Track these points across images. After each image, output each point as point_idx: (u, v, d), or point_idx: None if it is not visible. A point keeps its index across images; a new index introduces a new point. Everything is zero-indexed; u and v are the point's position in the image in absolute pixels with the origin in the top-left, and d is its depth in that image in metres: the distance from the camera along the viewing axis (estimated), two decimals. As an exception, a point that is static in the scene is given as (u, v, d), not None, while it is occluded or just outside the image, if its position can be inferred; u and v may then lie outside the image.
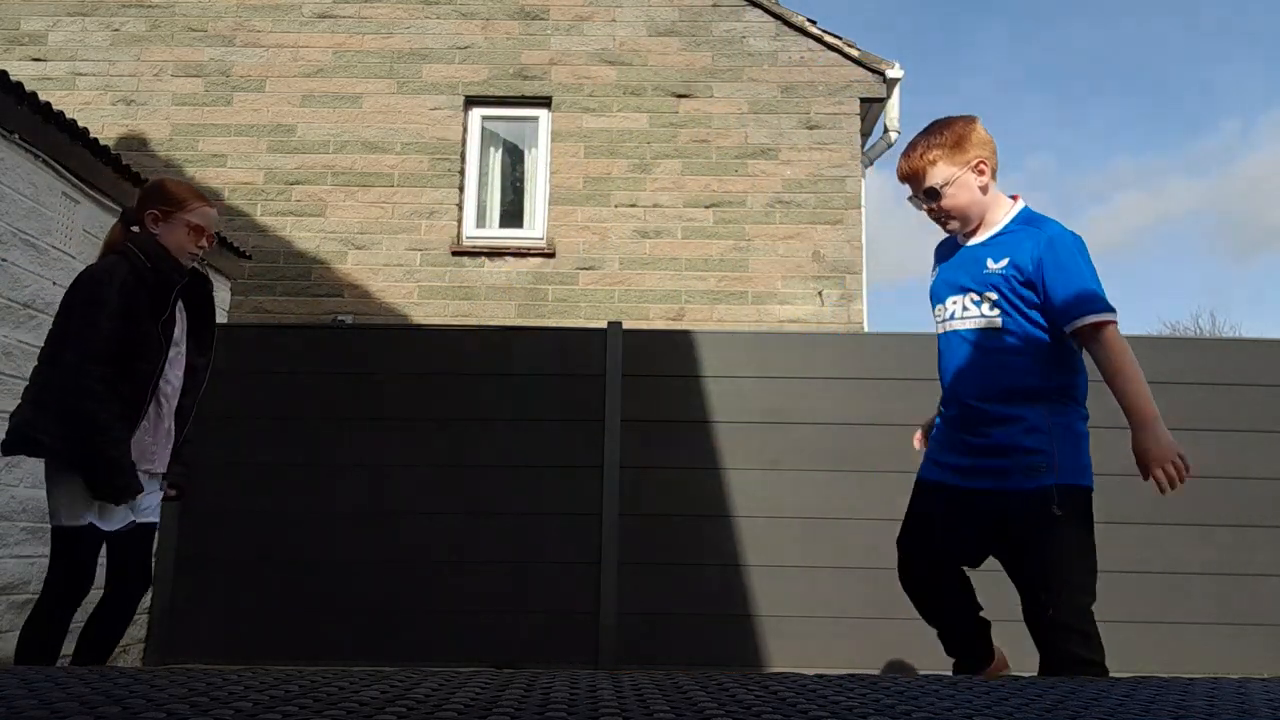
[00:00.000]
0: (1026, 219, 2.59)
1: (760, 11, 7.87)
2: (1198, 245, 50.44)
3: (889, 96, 7.74)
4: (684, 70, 7.80)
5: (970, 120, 2.64)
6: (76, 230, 4.38)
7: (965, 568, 2.66)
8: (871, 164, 8.04)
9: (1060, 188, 54.66)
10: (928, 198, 2.60)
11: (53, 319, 2.88)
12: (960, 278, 2.62)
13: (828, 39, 7.80)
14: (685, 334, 5.54)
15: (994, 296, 2.53)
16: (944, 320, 2.66)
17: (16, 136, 3.97)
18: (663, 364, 5.32)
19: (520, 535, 5.16)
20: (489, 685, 1.32)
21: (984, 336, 2.55)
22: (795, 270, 7.49)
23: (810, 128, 7.70)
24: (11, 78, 3.95)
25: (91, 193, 4.48)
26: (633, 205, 7.60)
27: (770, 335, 6.20)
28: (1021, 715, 1.11)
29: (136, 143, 7.61)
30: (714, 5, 7.89)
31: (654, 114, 7.73)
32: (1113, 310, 2.45)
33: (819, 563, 5.12)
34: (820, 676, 1.48)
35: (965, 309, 2.60)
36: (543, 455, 5.23)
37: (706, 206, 7.60)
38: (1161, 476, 2.31)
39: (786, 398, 5.23)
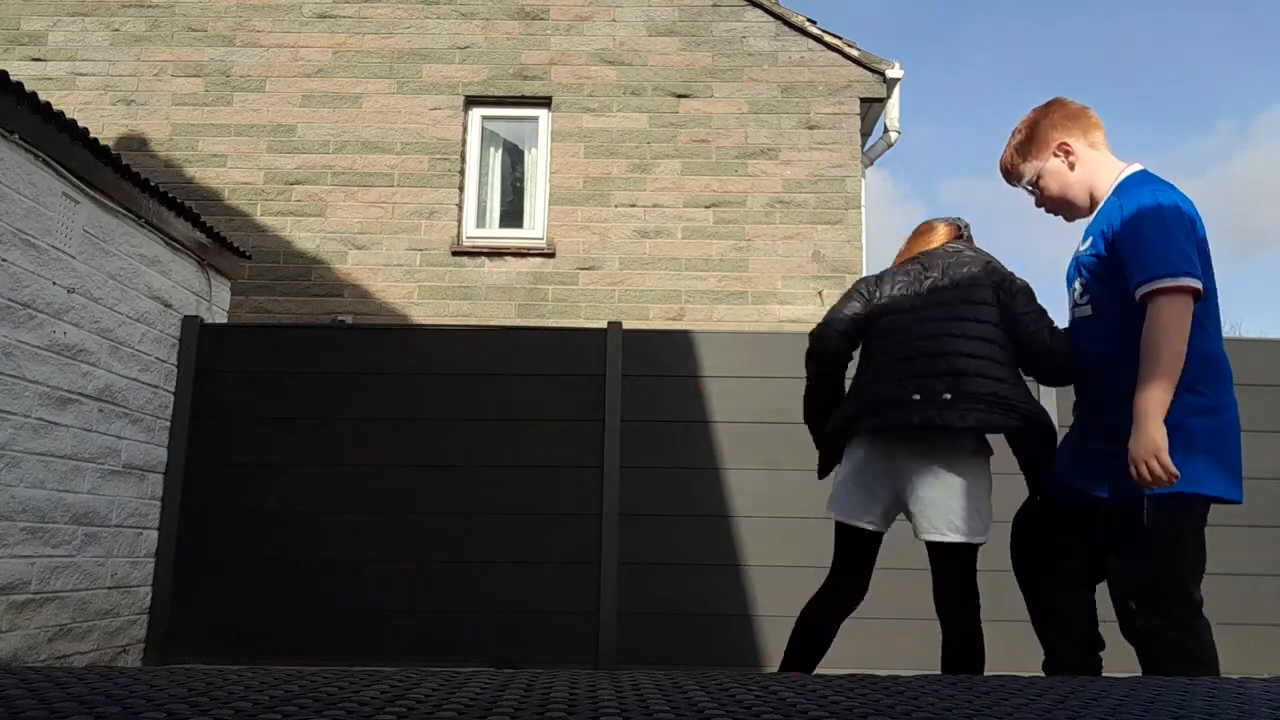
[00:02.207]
0: (1125, 187, 2.37)
1: (760, 11, 7.87)
2: (1197, 245, 50.39)
3: (889, 96, 7.74)
4: (684, 70, 7.79)
5: (1047, 106, 2.53)
6: (76, 230, 4.38)
7: (1082, 584, 2.45)
8: (871, 164, 8.03)
9: (1060, 187, 54.60)
10: (1031, 192, 2.55)
11: (52, 319, 2.86)
12: (1071, 264, 2.50)
13: (828, 39, 7.80)
14: (685, 334, 5.54)
15: (1084, 281, 2.40)
16: (1070, 311, 2.53)
17: (16, 136, 3.96)
18: (663, 364, 5.32)
19: (520, 535, 5.15)
20: (489, 685, 1.32)
21: (1084, 326, 2.42)
22: (795, 270, 7.49)
23: (810, 128, 7.70)
24: (11, 78, 3.95)
25: (91, 193, 4.48)
26: (633, 205, 7.60)
27: (770, 335, 6.20)
28: (1021, 715, 1.11)
29: (136, 143, 7.61)
30: (714, 5, 7.88)
31: (654, 114, 7.73)
32: (1174, 274, 2.15)
33: (819, 563, 5.09)
34: (820, 676, 1.48)
35: (1070, 299, 2.49)
36: (543, 455, 5.23)
37: (706, 206, 7.59)
38: (1134, 474, 2.16)
39: (786, 398, 5.21)
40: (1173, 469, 2.13)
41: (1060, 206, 2.51)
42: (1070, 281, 2.49)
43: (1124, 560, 2.25)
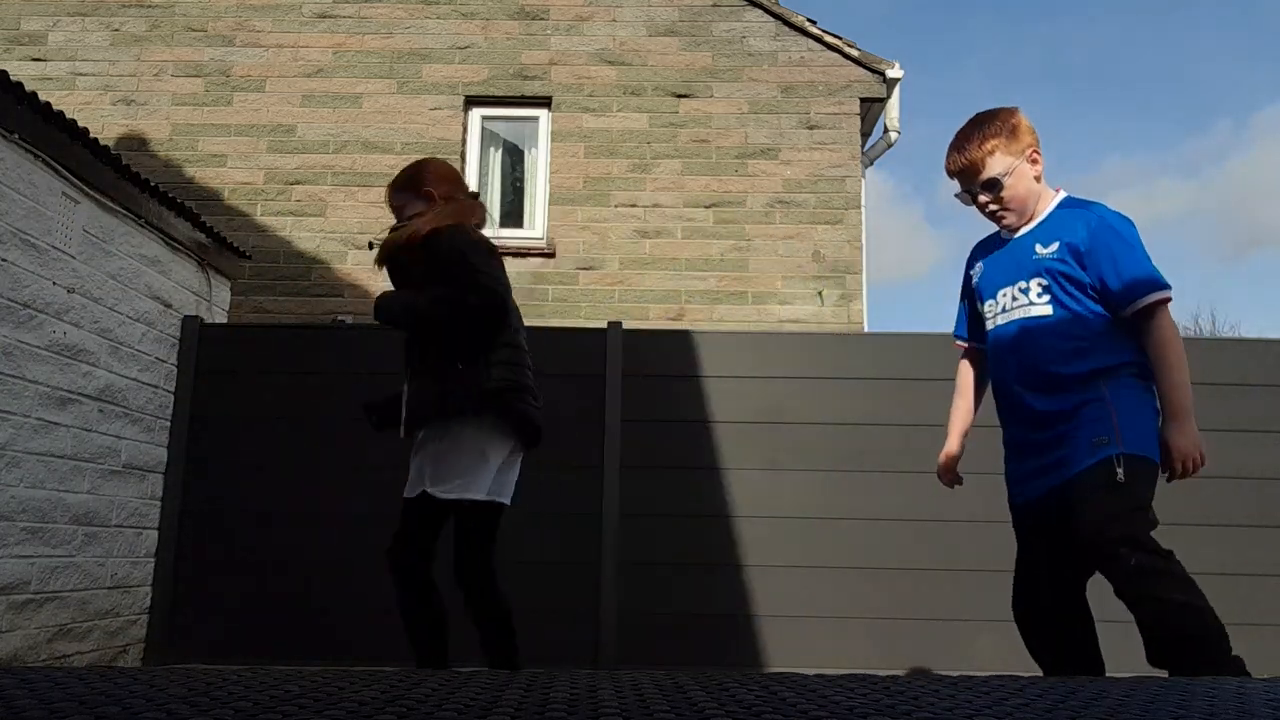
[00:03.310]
0: (1072, 203, 2.55)
1: (760, 11, 7.87)
2: (1191, 246, 50.45)
3: (889, 96, 7.74)
4: (684, 70, 7.79)
5: (1014, 111, 2.58)
6: (76, 230, 4.38)
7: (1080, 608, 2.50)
8: (871, 164, 8.03)
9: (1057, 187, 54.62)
10: (986, 190, 2.54)
11: (52, 319, 2.87)
12: (1009, 269, 2.56)
13: (828, 39, 7.80)
14: (685, 334, 5.53)
15: (1044, 283, 2.47)
16: (994, 316, 2.60)
17: (16, 136, 3.96)
18: (663, 364, 5.32)
19: (520, 535, 5.15)
20: (489, 685, 1.32)
21: (1038, 325, 2.48)
22: (795, 270, 7.49)
23: (810, 128, 7.70)
24: (11, 78, 3.95)
25: (91, 193, 4.48)
26: (633, 205, 7.60)
27: (770, 335, 6.20)
28: (1021, 715, 1.11)
29: (136, 143, 7.61)
30: (714, 5, 7.89)
31: (654, 114, 7.73)
32: (1167, 288, 2.41)
33: (819, 563, 5.12)
34: (820, 676, 1.48)
35: (1015, 299, 2.54)
36: (543, 455, 5.22)
37: (706, 206, 7.59)
38: (1178, 468, 2.35)
39: (786, 398, 5.23)
40: (1204, 462, 2.36)
41: (1014, 209, 2.55)
42: (1010, 281, 2.56)
43: (1103, 510, 2.32)
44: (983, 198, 2.56)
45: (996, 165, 2.51)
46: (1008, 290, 2.55)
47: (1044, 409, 2.45)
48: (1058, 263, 2.46)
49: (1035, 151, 2.53)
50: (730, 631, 5.06)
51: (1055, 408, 2.43)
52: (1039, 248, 2.50)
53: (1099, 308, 2.43)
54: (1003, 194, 2.53)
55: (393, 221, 2.99)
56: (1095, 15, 56.67)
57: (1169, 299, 2.41)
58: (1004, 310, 2.56)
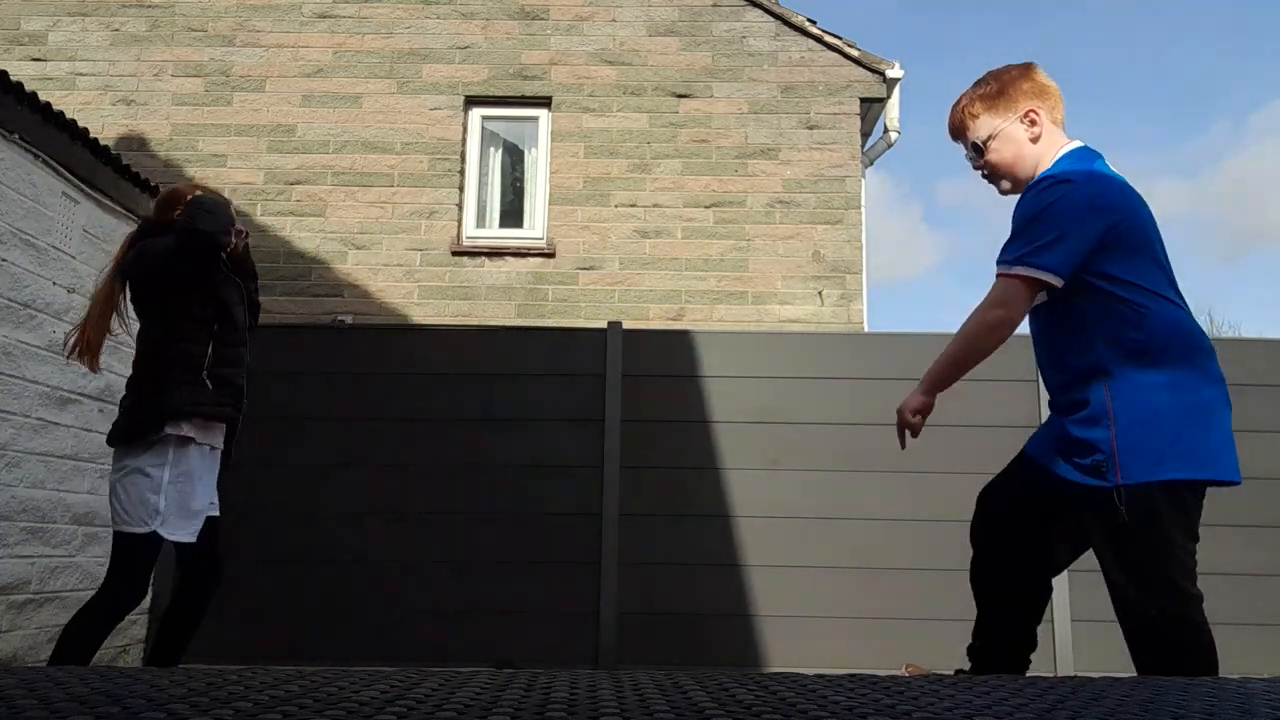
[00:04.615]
0: (1059, 163, 2.26)
1: (760, 11, 7.87)
2: (1190, 246, 50.47)
3: (889, 96, 7.73)
4: (684, 70, 7.79)
5: (1024, 68, 2.35)
6: (76, 230, 4.38)
7: (1045, 563, 2.35)
8: (871, 164, 8.03)
9: (1056, 188, 54.82)
10: (974, 154, 2.37)
11: (52, 319, 2.89)
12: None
13: (828, 39, 7.80)
14: (685, 334, 5.54)
15: None
16: None
17: (16, 136, 3.96)
18: (663, 364, 5.32)
19: (520, 535, 5.16)
20: (489, 685, 1.32)
21: (1039, 315, 2.28)
22: (795, 270, 7.49)
23: (810, 128, 7.70)
24: (11, 78, 3.95)
25: (91, 193, 4.48)
26: (633, 205, 7.60)
27: (770, 335, 6.20)
28: (1021, 715, 1.11)
29: (136, 143, 7.61)
30: (714, 5, 7.88)
31: (654, 114, 7.73)
32: (1016, 263, 2.14)
33: (819, 563, 5.12)
34: (820, 676, 1.48)
35: None
36: (543, 455, 5.24)
37: (706, 206, 7.59)
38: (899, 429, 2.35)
39: (786, 398, 5.23)
40: (910, 424, 2.32)
41: (1004, 176, 2.35)
42: None
43: (1112, 562, 2.14)
44: (972, 161, 2.39)
45: (981, 128, 2.33)
46: None
47: (1053, 406, 2.30)
48: None
49: (1033, 112, 2.29)
50: (730, 631, 5.06)
51: (1060, 403, 2.25)
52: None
53: (1093, 284, 2.13)
54: (988, 158, 2.34)
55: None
56: (1094, 16, 56.70)
57: (1013, 275, 2.14)
58: None
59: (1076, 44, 57.32)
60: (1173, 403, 2.09)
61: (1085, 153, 2.29)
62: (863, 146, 7.90)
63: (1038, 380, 4.96)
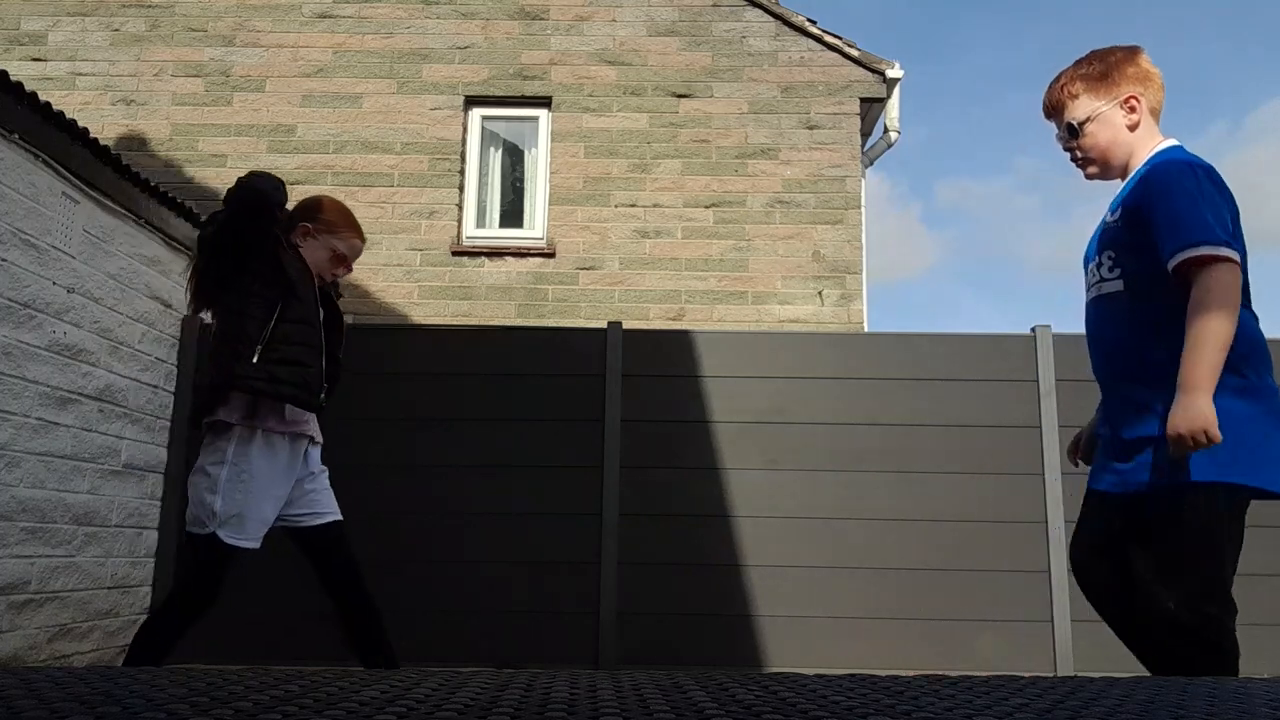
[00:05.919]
0: (1160, 156, 2.19)
1: (760, 11, 7.87)
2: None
3: (889, 96, 7.73)
4: (684, 70, 7.79)
5: (1130, 50, 2.28)
6: (76, 230, 4.38)
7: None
8: (871, 164, 8.03)
9: (1051, 188, 54.86)
10: (1068, 134, 2.29)
11: (52, 319, 2.89)
12: (1095, 237, 2.28)
13: (828, 39, 7.80)
14: (685, 334, 5.54)
15: (1113, 255, 2.19)
16: (1086, 290, 2.30)
17: (16, 136, 3.96)
18: (663, 364, 5.32)
19: (520, 535, 5.16)
20: (489, 685, 1.32)
21: (1110, 306, 2.20)
22: (795, 270, 7.49)
23: (810, 128, 7.70)
24: (11, 78, 3.95)
25: (91, 193, 4.48)
26: (633, 205, 7.60)
27: (770, 335, 6.20)
28: (1021, 715, 1.11)
29: (136, 143, 7.61)
30: (714, 5, 7.88)
31: (654, 114, 7.73)
32: (1206, 243, 1.99)
33: (819, 563, 5.12)
34: (820, 676, 1.48)
35: (1094, 275, 2.26)
36: (543, 455, 5.23)
37: (706, 206, 7.59)
38: (1174, 448, 2.00)
39: (786, 398, 5.23)
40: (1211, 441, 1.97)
41: (1098, 161, 2.28)
42: (1091, 257, 2.29)
43: (1160, 553, 2.10)
44: (1066, 143, 2.32)
45: (1079, 109, 2.25)
46: (1093, 263, 2.28)
47: (1122, 404, 2.18)
48: (1119, 230, 2.18)
49: (1134, 98, 2.21)
50: (730, 631, 5.06)
51: (1133, 402, 2.14)
52: (1108, 215, 2.24)
53: (1170, 286, 2.05)
54: (1082, 141, 2.26)
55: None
56: (1094, 16, 56.80)
57: (1211, 257, 1.98)
58: (1089, 286, 2.28)
59: (1076, 44, 57.38)
60: (1249, 410, 2.05)
61: (1182, 150, 2.23)
62: (863, 146, 7.90)
63: (1038, 380, 4.96)
